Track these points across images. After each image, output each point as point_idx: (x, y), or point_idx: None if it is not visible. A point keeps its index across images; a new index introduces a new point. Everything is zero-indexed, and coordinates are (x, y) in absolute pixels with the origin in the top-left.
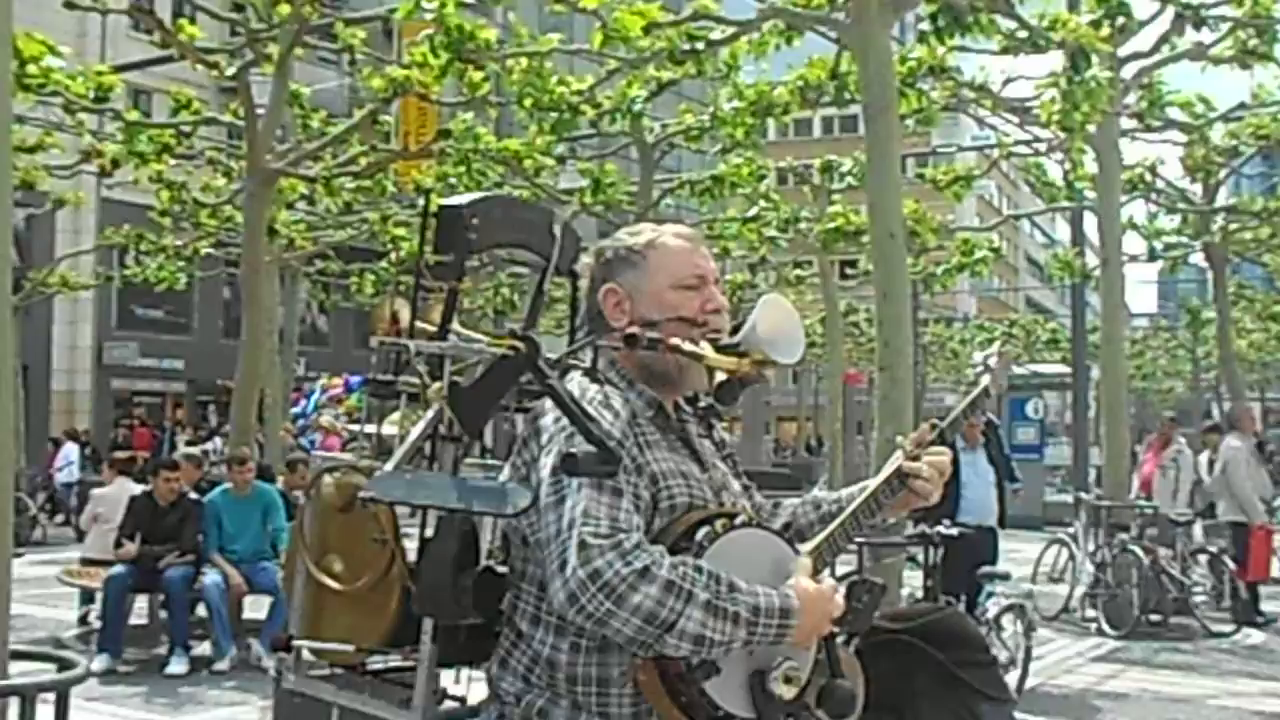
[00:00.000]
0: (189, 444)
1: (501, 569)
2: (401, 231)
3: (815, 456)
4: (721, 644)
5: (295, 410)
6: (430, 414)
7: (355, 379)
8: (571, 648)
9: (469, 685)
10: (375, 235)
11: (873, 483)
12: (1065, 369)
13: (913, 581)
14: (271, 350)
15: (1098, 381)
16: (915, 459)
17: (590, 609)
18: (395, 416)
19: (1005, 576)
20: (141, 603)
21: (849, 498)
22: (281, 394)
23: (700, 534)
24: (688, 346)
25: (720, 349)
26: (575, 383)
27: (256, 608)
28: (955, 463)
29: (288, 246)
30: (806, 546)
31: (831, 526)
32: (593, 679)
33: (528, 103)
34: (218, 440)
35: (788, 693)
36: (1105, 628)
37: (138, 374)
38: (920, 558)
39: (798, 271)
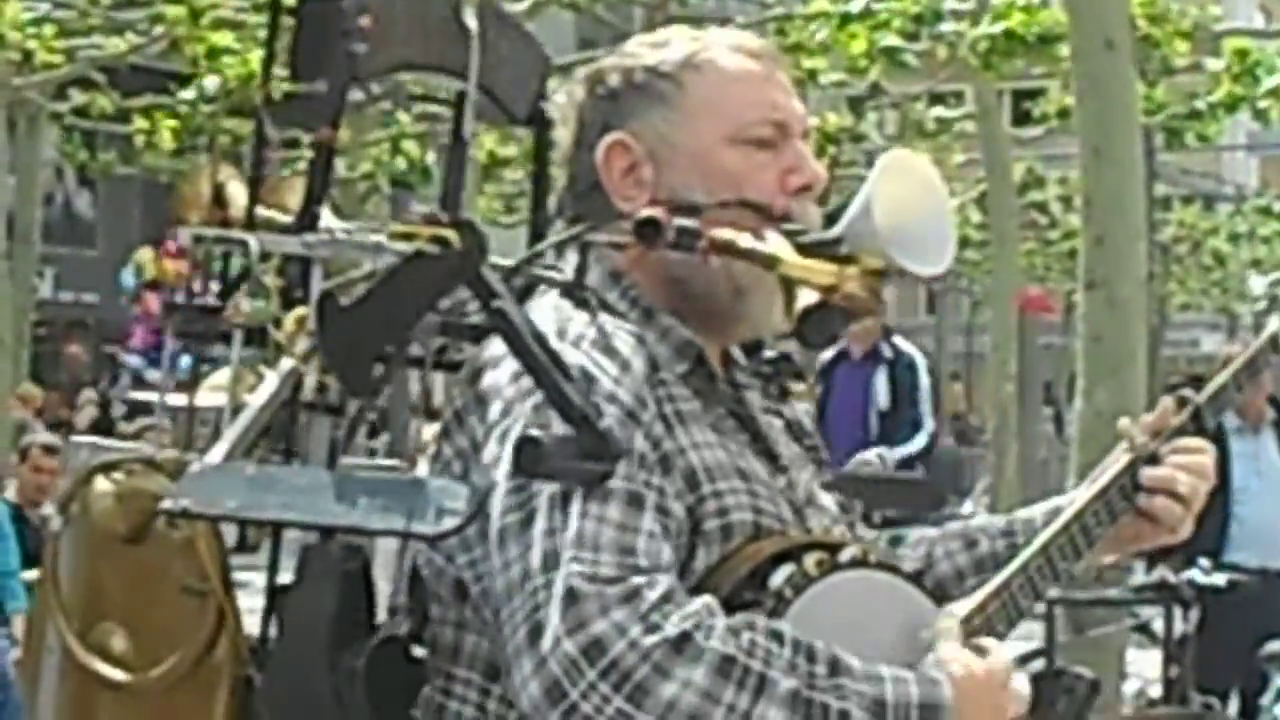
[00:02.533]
0: None
1: (417, 647)
2: (226, 39)
3: (967, 445)
4: None
5: (132, 358)
6: (285, 366)
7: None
8: None
9: None
10: (178, 46)
11: (1075, 501)
12: None
13: (1145, 668)
14: None
15: None
16: (1154, 459)
17: (587, 710)
18: (222, 374)
19: None
20: None
21: (1029, 528)
22: (13, 329)
23: (778, 578)
24: (746, 242)
25: (805, 248)
26: (550, 312)
27: None
28: (1223, 461)
29: (22, 65)
30: (958, 607)
31: (1002, 577)
32: None
33: None
34: None
35: None
36: None
37: None
38: (1159, 626)
39: (938, 111)
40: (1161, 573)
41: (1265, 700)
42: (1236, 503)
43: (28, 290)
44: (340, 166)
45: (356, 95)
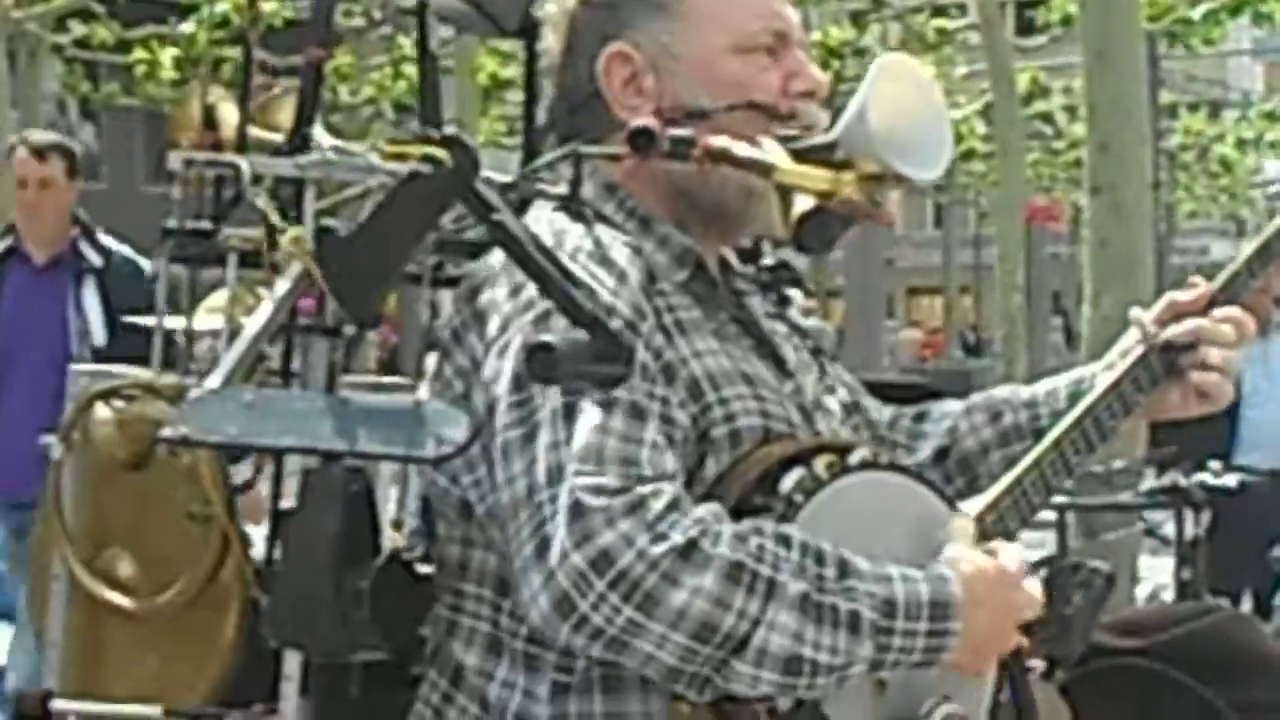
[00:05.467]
0: None
1: (423, 564)
2: None
3: (977, 357)
4: (831, 669)
5: None
6: (282, 288)
7: None
8: (555, 691)
9: None
10: None
11: (1099, 382)
12: None
13: (1158, 570)
14: None
15: None
16: (1168, 348)
17: (599, 621)
18: (218, 297)
19: None
20: None
21: (1052, 399)
22: None
23: (788, 482)
24: (742, 150)
25: (801, 154)
26: (545, 223)
27: None
28: None
29: None
30: (975, 503)
31: (1015, 474)
32: None
33: None
34: None
35: None
36: None
37: None
38: (1170, 530)
39: (940, 22)
40: (1172, 476)
41: (1278, 601)
42: (1247, 405)
43: None
44: (344, 92)
45: (358, 21)
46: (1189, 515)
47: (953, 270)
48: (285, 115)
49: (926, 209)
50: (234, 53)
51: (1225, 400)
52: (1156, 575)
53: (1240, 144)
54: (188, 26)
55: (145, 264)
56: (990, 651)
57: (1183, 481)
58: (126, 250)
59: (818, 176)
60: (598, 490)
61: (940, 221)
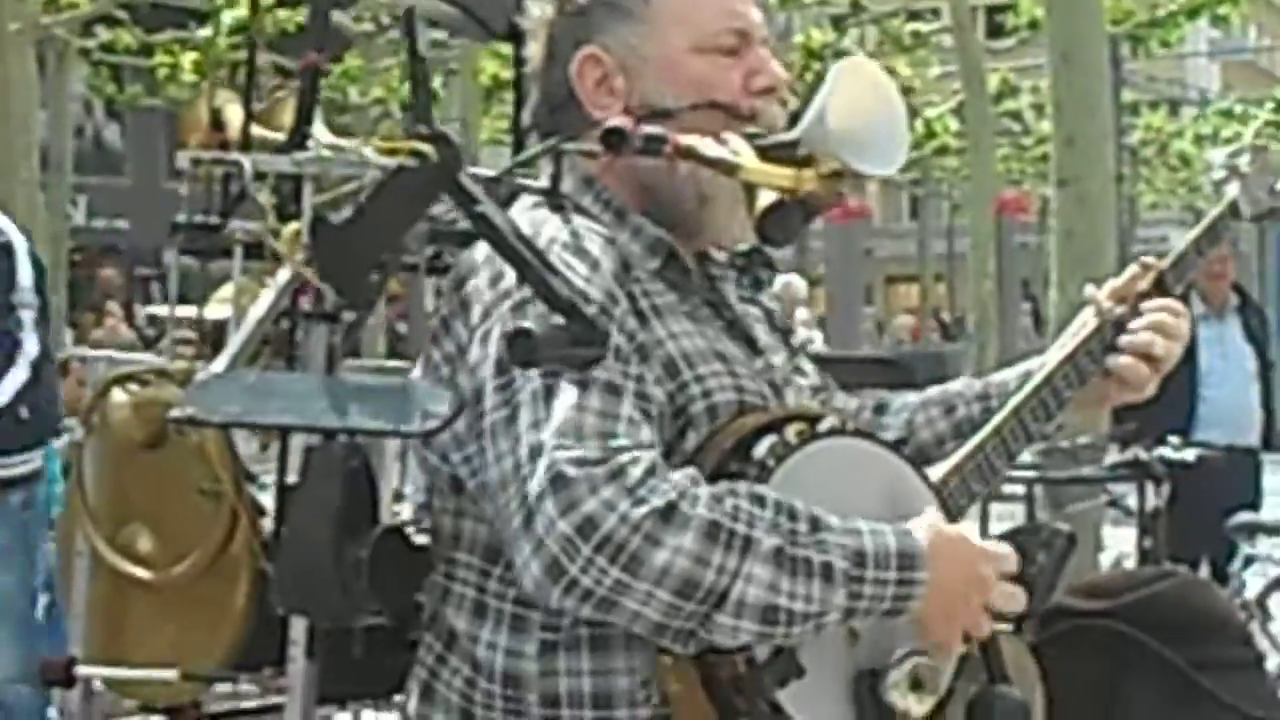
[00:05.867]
0: None
1: (418, 535)
2: None
3: (951, 341)
4: (806, 618)
5: None
6: (283, 277)
7: None
8: (542, 650)
9: None
10: None
11: (1045, 365)
12: None
13: (1121, 539)
14: (30, 183)
15: None
16: (1120, 324)
17: (588, 583)
18: (226, 289)
19: (1275, 530)
20: None
21: (1003, 391)
22: (50, 255)
23: (761, 448)
24: (710, 149)
25: (765, 152)
26: (525, 216)
27: None
28: (1190, 345)
29: (49, 4)
30: (941, 467)
31: (977, 440)
32: (584, 696)
33: None
34: None
35: (917, 706)
36: None
37: None
38: (1132, 501)
39: (915, 26)
40: (1134, 451)
41: (1234, 568)
42: (1204, 384)
43: (62, 217)
44: (354, 93)
45: (367, 26)
46: (1150, 488)
47: (928, 259)
48: (289, 116)
49: (903, 202)
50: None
51: (1144, 390)
52: (1120, 544)
53: (1198, 139)
54: (206, 32)
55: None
56: (957, 616)
57: (1144, 456)
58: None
59: (780, 175)
60: (579, 462)
61: (916, 213)
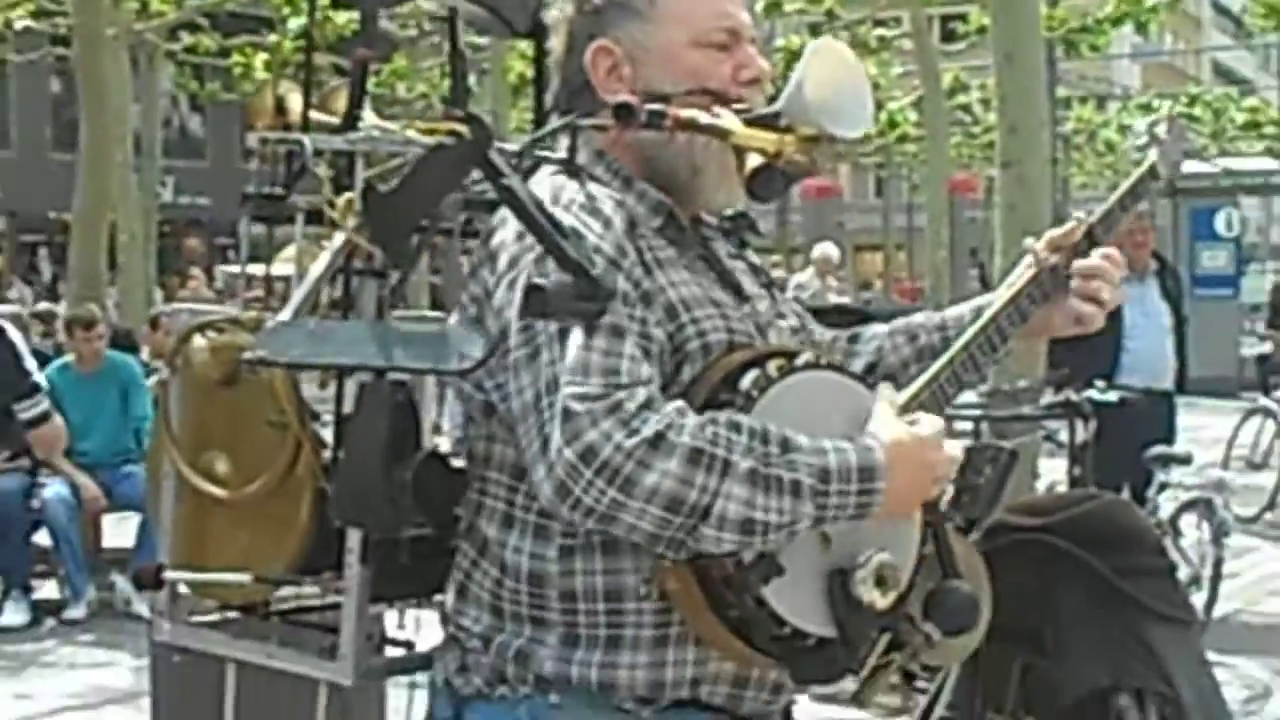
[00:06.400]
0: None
1: (456, 459)
2: None
3: (909, 301)
4: (780, 527)
5: None
6: (338, 239)
7: None
8: (562, 554)
9: (418, 627)
10: None
11: (995, 301)
12: (1270, 162)
13: (1054, 469)
14: (124, 165)
15: None
16: (1054, 271)
17: (589, 502)
18: (290, 250)
19: (1185, 460)
20: None
21: (959, 322)
22: (143, 228)
23: (746, 380)
24: (705, 119)
25: (752, 121)
26: (546, 184)
27: (120, 531)
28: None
29: (140, 12)
30: (903, 393)
31: (932, 371)
32: (597, 592)
33: None
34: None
35: (881, 598)
36: None
37: None
38: (1064, 436)
39: (880, 31)
40: (1066, 393)
41: (1150, 493)
42: (1127, 337)
43: (152, 195)
44: (401, 89)
45: (411, 31)
46: (1079, 424)
47: (890, 231)
48: (343, 103)
49: (869, 182)
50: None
51: (1096, 325)
52: (1053, 473)
53: (1121, 129)
54: (275, 37)
55: None
56: (912, 500)
57: (1074, 397)
58: None
59: (765, 138)
60: (583, 397)
61: (880, 191)
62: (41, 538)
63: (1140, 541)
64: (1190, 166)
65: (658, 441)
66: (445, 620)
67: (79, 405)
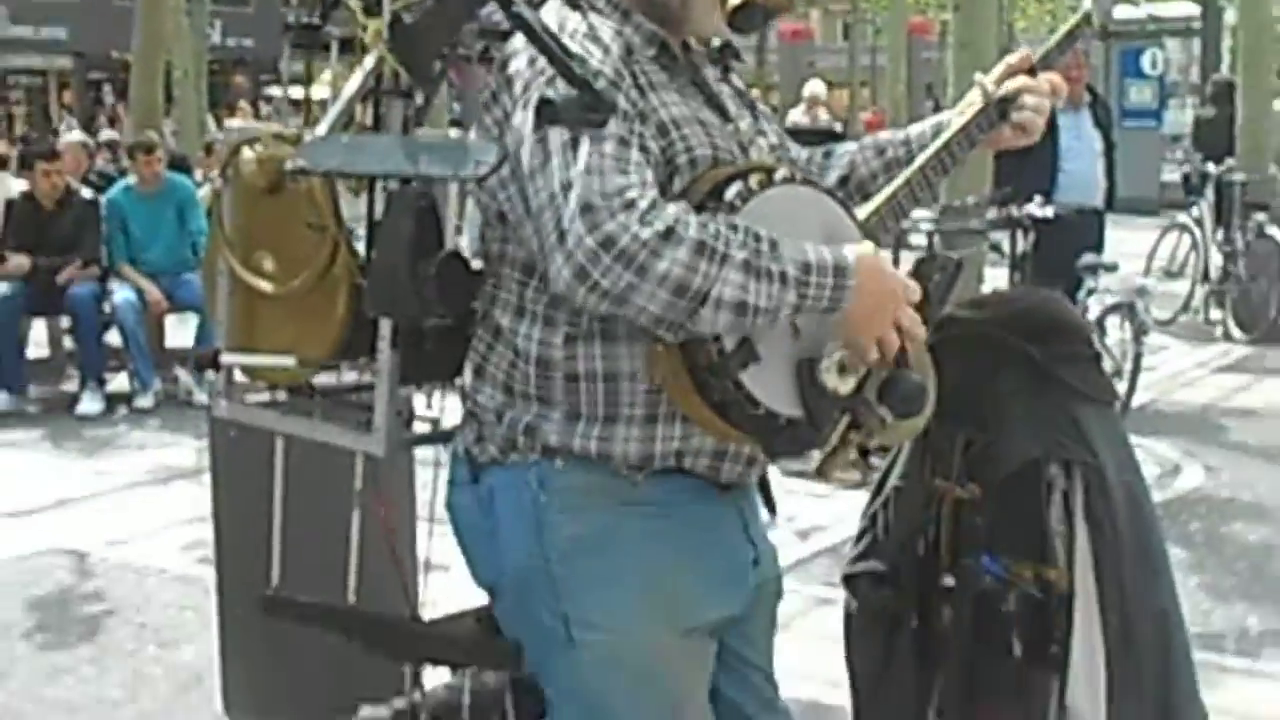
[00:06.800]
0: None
1: (473, 260)
2: None
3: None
4: (767, 310)
5: None
6: (368, 63)
7: None
8: (566, 340)
9: (443, 408)
10: None
11: (954, 123)
12: (1192, 8)
13: (996, 276)
14: (177, 9)
15: (1234, 26)
16: (1002, 101)
17: (606, 285)
18: (326, 75)
19: (1112, 268)
20: (39, 331)
21: (921, 139)
22: (194, 66)
23: (730, 192)
24: None
25: None
26: (553, 13)
27: (181, 331)
28: (1052, 127)
29: None
30: (865, 207)
31: (891, 188)
32: (597, 373)
33: None
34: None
35: (843, 385)
36: (1233, 331)
37: (9, 47)
38: (1005, 246)
39: None
40: (1009, 209)
41: (1080, 296)
42: (1062, 159)
43: (202, 37)
44: None
45: None
46: (1020, 237)
47: (856, 70)
48: None
49: (838, 26)
50: None
51: (1037, 134)
52: (996, 280)
53: None
54: None
55: None
56: (874, 321)
57: (1016, 213)
58: None
59: None
60: (602, 193)
61: (847, 35)
62: (112, 337)
63: (1071, 332)
64: (1120, 12)
65: (668, 234)
66: (464, 397)
67: (141, 221)
